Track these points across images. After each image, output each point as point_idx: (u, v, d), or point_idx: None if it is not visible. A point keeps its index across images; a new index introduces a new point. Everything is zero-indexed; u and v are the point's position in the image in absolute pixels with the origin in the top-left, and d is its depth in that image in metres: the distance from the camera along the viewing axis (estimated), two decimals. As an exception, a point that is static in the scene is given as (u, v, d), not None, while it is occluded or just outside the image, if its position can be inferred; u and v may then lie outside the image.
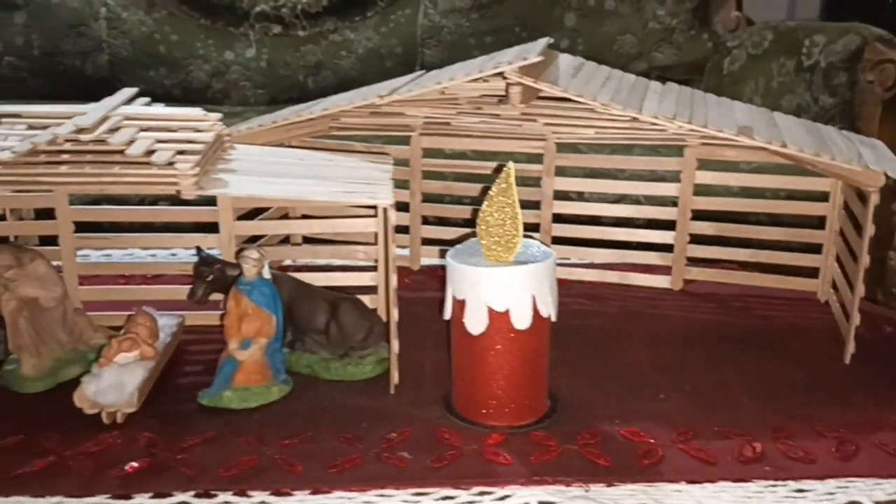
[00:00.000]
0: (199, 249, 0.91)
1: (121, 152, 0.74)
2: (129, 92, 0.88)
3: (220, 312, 0.95)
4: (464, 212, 1.15)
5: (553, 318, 0.75)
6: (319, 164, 0.88)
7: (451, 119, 1.07)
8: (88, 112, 0.78)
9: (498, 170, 0.78)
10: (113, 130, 0.76)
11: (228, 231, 0.93)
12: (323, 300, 0.86)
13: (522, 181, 1.15)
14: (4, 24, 2.19)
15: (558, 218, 1.08)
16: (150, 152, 0.75)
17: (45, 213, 0.94)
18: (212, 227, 0.93)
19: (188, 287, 0.90)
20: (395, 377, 0.82)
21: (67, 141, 0.75)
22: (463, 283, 0.73)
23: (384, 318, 0.88)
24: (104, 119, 0.77)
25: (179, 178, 0.75)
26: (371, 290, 0.94)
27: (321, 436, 0.75)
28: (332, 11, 2.33)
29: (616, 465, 0.70)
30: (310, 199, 0.83)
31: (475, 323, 0.73)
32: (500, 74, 0.88)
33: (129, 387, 0.76)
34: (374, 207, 0.92)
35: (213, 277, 0.88)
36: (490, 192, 0.75)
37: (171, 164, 0.74)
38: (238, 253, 0.80)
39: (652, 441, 0.74)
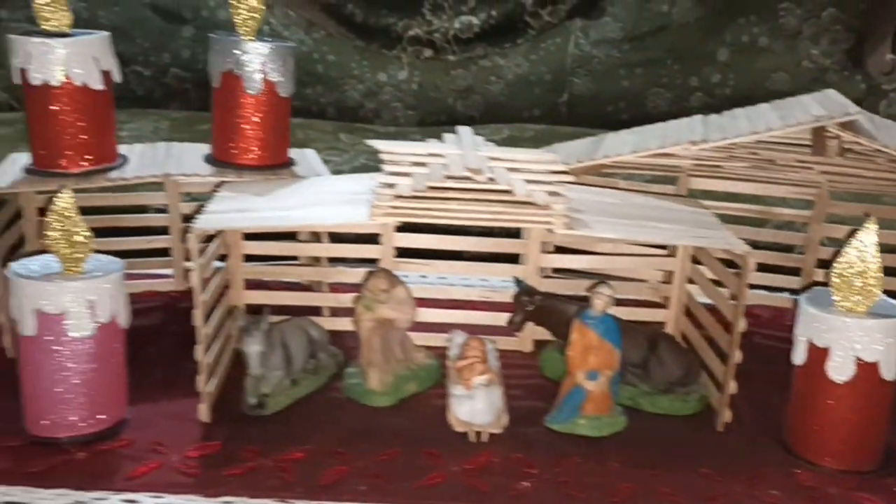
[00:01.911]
0: (517, 280, 0.96)
1: (504, 191, 0.80)
2: (469, 130, 0.94)
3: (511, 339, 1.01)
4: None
5: (906, 369, 0.78)
6: (646, 206, 0.93)
7: (723, 162, 1.11)
8: (462, 153, 0.84)
9: (859, 221, 0.82)
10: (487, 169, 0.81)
11: (534, 263, 0.98)
12: (641, 335, 0.91)
13: (787, 224, 1.20)
14: (173, 36, 2.28)
15: (822, 263, 1.11)
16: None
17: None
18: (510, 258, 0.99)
19: (481, 313, 0.96)
20: (727, 415, 0.86)
21: (449, 178, 0.80)
22: (829, 332, 0.77)
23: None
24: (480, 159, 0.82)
25: (554, 217, 0.80)
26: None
27: (679, 468, 0.79)
28: (482, 37, 2.38)
29: None
30: (677, 243, 0.87)
31: (841, 371, 0.76)
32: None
33: (499, 408, 0.81)
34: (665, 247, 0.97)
35: (532, 308, 0.93)
36: (849, 244, 0.79)
37: (547, 205, 0.80)
38: (590, 288, 0.85)
39: None
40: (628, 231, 0.84)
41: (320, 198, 0.88)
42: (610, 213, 0.87)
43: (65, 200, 0.75)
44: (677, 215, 0.90)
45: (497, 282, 1.05)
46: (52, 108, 0.91)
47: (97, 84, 0.93)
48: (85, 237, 0.76)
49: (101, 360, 0.77)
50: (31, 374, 0.76)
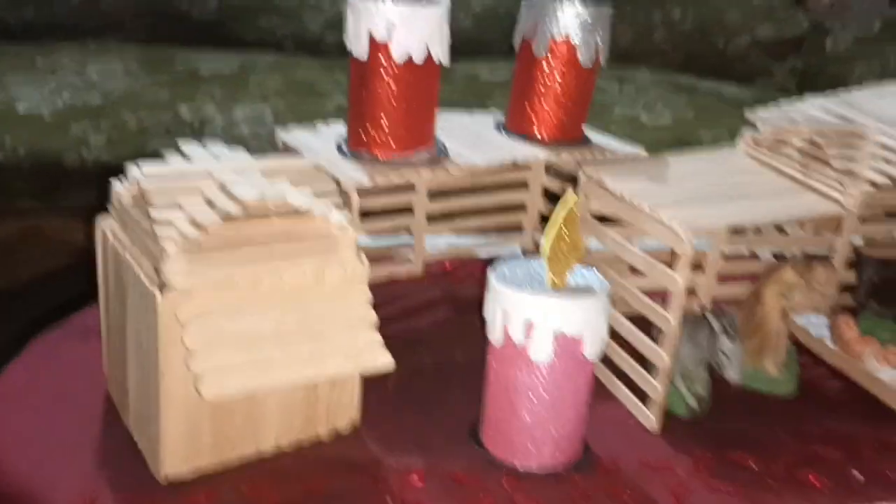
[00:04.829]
0: (857, 251, 0.93)
1: None
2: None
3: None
4: None
5: None
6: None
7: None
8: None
9: None
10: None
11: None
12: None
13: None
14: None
15: None
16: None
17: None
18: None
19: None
20: None
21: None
22: None
23: None
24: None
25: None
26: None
27: None
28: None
29: None
30: None
31: None
32: None
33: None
34: None
35: (877, 279, 0.93)
36: None
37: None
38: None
39: None
40: None
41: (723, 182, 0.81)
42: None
43: (572, 202, 0.63)
44: None
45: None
46: (417, 86, 0.76)
47: (446, 60, 0.78)
48: (579, 247, 0.65)
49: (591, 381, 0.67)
50: (546, 404, 0.65)
